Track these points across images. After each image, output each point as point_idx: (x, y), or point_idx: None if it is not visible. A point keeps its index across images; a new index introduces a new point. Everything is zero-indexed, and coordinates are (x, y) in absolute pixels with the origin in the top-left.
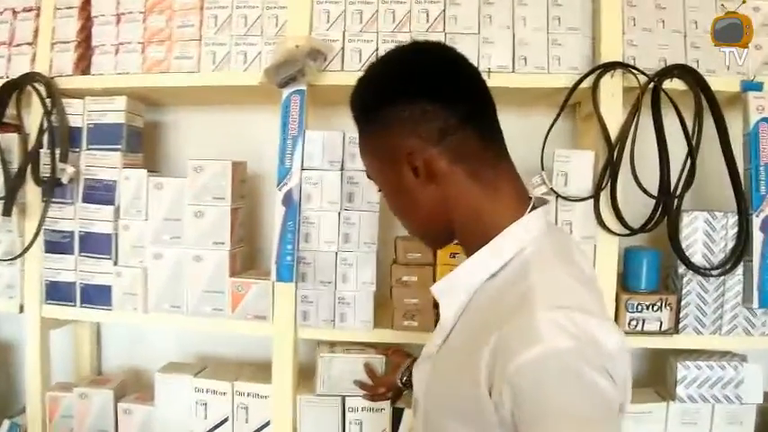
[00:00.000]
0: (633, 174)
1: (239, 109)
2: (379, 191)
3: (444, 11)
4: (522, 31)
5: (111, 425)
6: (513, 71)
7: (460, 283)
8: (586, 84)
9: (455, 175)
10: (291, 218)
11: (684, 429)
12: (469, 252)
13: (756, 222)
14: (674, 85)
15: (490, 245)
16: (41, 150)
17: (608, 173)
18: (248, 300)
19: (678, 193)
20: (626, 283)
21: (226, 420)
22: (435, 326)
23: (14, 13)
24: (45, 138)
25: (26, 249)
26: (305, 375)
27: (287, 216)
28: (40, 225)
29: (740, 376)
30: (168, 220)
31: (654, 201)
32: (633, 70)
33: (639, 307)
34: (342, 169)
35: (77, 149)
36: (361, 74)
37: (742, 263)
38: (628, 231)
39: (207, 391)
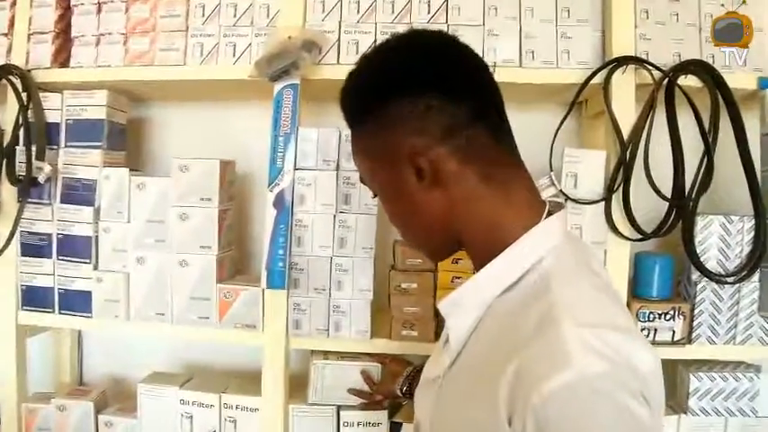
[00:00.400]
0: (647, 175)
1: (228, 104)
2: (374, 196)
3: (447, 1)
4: (529, 23)
5: None
6: (520, 65)
7: (471, 298)
8: (597, 79)
9: (465, 178)
10: (283, 221)
11: None
12: (480, 264)
13: None
14: (687, 81)
15: (504, 255)
16: (17, 147)
17: (620, 174)
18: (237, 307)
19: (694, 195)
20: (636, 290)
21: None
22: (436, 337)
23: None
24: (21, 134)
25: (0, 252)
26: (297, 385)
27: (278, 219)
28: (15, 227)
29: (755, 388)
30: (152, 223)
31: (666, 203)
32: (647, 65)
33: (651, 316)
34: (337, 169)
35: (55, 147)
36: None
37: (759, 269)
38: (640, 236)
39: (193, 404)
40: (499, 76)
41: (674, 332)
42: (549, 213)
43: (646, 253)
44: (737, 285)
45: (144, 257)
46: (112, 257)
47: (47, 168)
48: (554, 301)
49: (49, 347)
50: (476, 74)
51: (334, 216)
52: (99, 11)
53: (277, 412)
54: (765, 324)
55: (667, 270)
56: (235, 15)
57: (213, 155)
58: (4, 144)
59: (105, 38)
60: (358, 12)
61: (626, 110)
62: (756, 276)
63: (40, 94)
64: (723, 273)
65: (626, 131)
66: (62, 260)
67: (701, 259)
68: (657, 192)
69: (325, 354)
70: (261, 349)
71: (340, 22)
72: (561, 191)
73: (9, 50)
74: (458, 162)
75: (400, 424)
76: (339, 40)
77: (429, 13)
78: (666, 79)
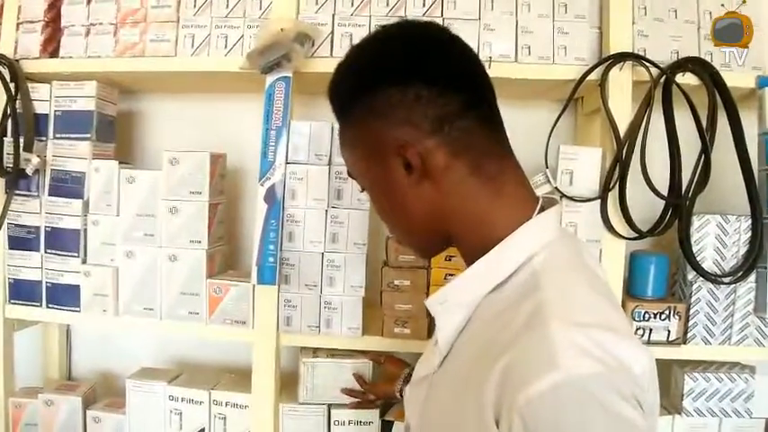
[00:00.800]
0: (644, 173)
1: (219, 97)
2: (362, 190)
3: None
4: (525, 17)
5: None
6: (515, 61)
7: (460, 296)
8: (594, 76)
9: (455, 171)
10: (274, 216)
11: None
12: (470, 260)
13: None
14: (685, 79)
15: (494, 251)
16: (5, 139)
17: (616, 172)
18: (227, 303)
19: (690, 194)
20: (632, 289)
21: (202, 431)
22: (429, 335)
23: None
24: (8, 125)
25: None
26: (287, 383)
27: (269, 214)
28: (2, 219)
29: (750, 389)
30: (141, 216)
31: (662, 202)
32: (645, 62)
33: (647, 315)
34: (329, 164)
35: (43, 138)
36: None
37: (755, 270)
38: (636, 235)
39: (182, 400)
40: (494, 71)
41: (669, 332)
42: (542, 209)
43: (641, 252)
44: (733, 286)
45: (133, 251)
46: (101, 251)
47: (35, 160)
48: (543, 300)
49: (36, 342)
50: (467, 64)
51: (326, 211)
52: (89, 1)
53: (267, 409)
54: (761, 325)
55: (663, 269)
56: (227, 7)
57: (204, 148)
58: None
59: (95, 28)
60: (352, 4)
61: (623, 107)
62: (752, 277)
63: (29, 85)
64: (719, 273)
65: (622, 129)
66: (50, 253)
67: (698, 259)
68: (654, 190)
69: (315, 351)
70: (251, 345)
71: (333, 15)
72: (556, 188)
73: None
74: (448, 155)
75: (391, 422)
76: (332, 32)
77: (424, 6)
78: (664, 77)
